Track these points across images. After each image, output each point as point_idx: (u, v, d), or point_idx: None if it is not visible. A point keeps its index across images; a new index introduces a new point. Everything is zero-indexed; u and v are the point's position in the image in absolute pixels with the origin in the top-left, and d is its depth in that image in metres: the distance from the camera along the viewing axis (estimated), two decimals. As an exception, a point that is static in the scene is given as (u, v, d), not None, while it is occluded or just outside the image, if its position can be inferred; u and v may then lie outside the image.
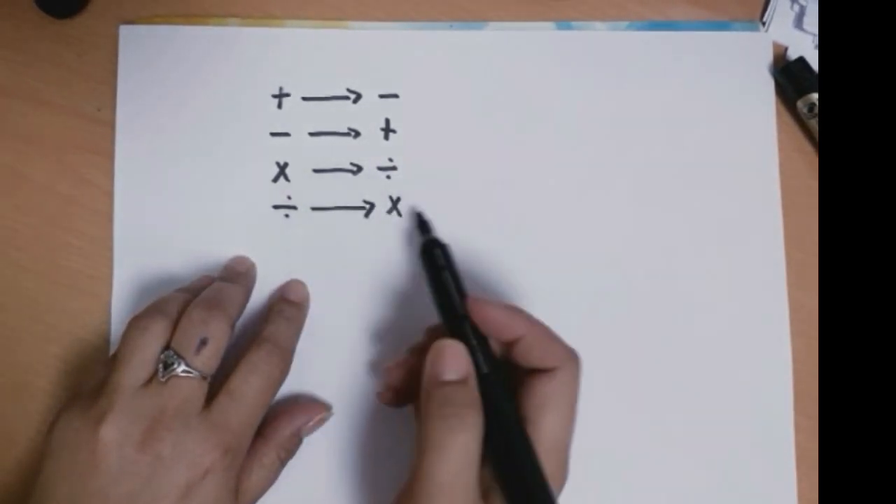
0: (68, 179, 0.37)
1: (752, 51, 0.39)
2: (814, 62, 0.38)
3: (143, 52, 0.38)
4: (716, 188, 0.38)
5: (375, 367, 0.36)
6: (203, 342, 0.30)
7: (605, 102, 0.38)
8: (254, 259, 0.37)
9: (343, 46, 0.38)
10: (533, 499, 0.27)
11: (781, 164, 0.38)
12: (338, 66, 0.38)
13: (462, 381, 0.29)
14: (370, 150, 0.38)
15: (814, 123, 0.37)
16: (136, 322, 0.31)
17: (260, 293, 0.36)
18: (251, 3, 0.39)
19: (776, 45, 0.39)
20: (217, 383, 0.31)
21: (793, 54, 0.38)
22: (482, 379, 0.29)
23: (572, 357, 0.29)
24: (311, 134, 0.38)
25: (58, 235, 0.37)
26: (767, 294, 0.37)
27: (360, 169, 0.38)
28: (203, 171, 0.37)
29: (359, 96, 0.38)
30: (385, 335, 0.36)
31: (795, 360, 0.36)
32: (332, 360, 0.36)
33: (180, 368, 0.30)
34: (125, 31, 0.38)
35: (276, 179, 0.37)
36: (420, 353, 0.31)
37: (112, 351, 0.36)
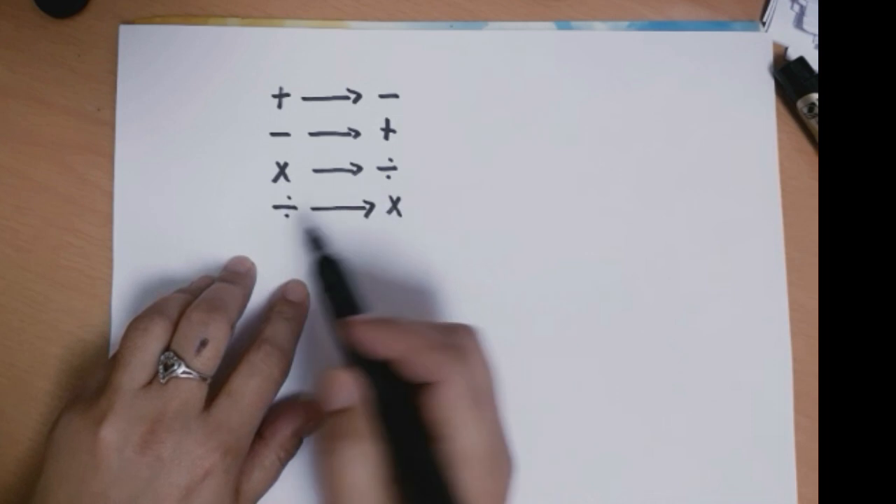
0: (68, 179, 0.37)
1: (752, 51, 0.39)
2: (814, 62, 0.38)
3: (143, 52, 0.38)
4: (716, 188, 0.38)
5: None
6: (203, 343, 0.30)
7: (606, 102, 0.38)
8: (254, 259, 0.37)
9: (343, 46, 0.38)
10: None
11: (781, 164, 0.38)
12: (338, 66, 0.38)
13: (349, 410, 0.27)
14: (370, 150, 0.38)
15: (814, 123, 0.37)
16: (137, 323, 0.31)
17: (260, 293, 0.36)
18: (251, 3, 0.39)
19: (776, 45, 0.39)
20: (217, 384, 0.31)
21: (793, 54, 0.38)
22: (381, 401, 0.27)
23: (458, 359, 0.27)
24: (311, 134, 0.38)
25: (58, 235, 0.37)
26: (767, 294, 0.37)
27: (360, 169, 0.38)
28: (203, 171, 0.37)
29: (359, 96, 0.38)
30: (385, 335, 0.36)
31: (795, 360, 0.36)
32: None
33: (180, 370, 0.30)
34: (125, 31, 0.38)
35: (276, 179, 0.37)
36: None
37: (112, 351, 0.36)
